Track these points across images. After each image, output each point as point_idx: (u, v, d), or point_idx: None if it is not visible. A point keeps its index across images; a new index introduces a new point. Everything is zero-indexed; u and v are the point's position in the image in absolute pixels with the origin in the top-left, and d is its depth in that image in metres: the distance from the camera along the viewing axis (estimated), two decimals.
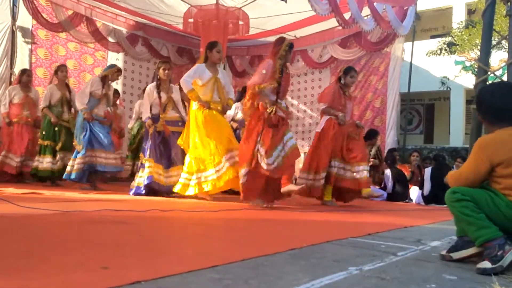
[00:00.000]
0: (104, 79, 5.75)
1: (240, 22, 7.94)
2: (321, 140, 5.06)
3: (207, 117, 4.72)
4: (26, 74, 6.56)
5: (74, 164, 5.51)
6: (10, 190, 4.76)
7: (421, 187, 7.01)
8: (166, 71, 5.26)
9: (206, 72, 4.81)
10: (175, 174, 5.13)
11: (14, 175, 6.31)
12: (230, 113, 5.98)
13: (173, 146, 5.23)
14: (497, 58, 10.93)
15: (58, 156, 6.08)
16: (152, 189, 5.08)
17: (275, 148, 4.18)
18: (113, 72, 5.81)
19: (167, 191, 5.16)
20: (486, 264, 1.71)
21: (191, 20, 7.91)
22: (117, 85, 8.52)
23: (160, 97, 5.20)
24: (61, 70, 6.30)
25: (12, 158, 6.28)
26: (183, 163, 5.01)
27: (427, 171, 6.89)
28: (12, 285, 1.18)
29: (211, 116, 4.74)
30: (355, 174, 4.93)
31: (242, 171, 4.26)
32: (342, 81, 5.25)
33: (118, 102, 7.48)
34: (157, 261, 1.62)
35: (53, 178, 6.12)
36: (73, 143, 5.78)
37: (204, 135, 4.69)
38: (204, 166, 4.71)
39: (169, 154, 5.24)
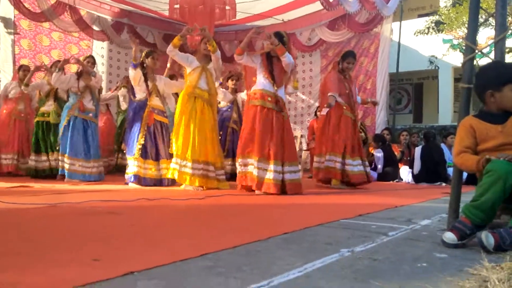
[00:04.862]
0: (80, 73, 5.71)
1: (227, 7, 7.84)
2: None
3: (192, 105, 4.65)
4: (22, 69, 6.56)
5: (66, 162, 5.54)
6: None
7: (411, 166, 7.07)
8: (155, 61, 5.26)
9: (195, 62, 4.81)
10: (164, 166, 5.07)
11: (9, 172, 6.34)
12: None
13: (160, 137, 5.18)
14: (485, 35, 10.94)
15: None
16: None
17: None
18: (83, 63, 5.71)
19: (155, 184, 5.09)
20: (491, 242, 1.63)
21: (177, 6, 7.81)
22: (103, 73, 8.42)
23: (147, 85, 5.17)
24: (55, 65, 6.21)
25: (5, 158, 6.32)
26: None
27: (417, 150, 6.92)
28: (3, 281, 1.17)
29: (200, 109, 4.67)
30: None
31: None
32: (340, 66, 5.27)
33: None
34: (148, 251, 1.62)
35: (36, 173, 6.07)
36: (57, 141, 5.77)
37: (187, 122, 4.62)
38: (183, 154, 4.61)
39: (156, 144, 5.16)
